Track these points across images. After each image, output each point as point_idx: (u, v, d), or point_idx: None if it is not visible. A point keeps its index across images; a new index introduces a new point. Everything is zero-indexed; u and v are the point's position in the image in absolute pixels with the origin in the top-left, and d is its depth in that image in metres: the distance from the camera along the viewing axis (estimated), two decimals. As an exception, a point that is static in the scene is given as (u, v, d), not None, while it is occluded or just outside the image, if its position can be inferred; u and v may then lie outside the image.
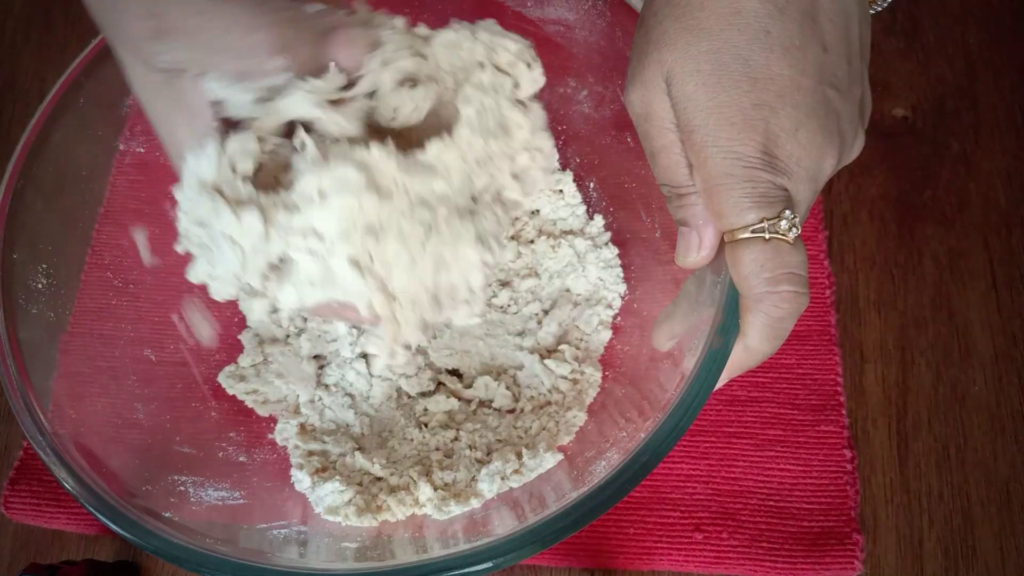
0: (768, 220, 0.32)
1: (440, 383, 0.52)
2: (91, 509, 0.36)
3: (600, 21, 0.50)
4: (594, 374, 0.50)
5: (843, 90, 0.32)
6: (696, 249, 0.35)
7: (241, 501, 0.44)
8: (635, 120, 0.35)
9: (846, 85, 0.33)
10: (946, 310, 0.55)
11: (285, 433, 0.49)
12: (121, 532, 0.35)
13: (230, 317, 0.53)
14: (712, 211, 0.33)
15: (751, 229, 0.32)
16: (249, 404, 0.50)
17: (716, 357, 0.34)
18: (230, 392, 0.50)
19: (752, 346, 0.34)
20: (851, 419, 0.52)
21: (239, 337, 0.53)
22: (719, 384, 0.35)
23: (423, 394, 0.51)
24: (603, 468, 0.37)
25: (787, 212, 0.32)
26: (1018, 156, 0.59)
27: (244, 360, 0.51)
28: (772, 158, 0.31)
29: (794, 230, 0.32)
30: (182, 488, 0.42)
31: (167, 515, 0.38)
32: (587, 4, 0.50)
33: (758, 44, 0.31)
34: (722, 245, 0.35)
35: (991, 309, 0.55)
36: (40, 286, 0.43)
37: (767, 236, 0.32)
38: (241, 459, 0.47)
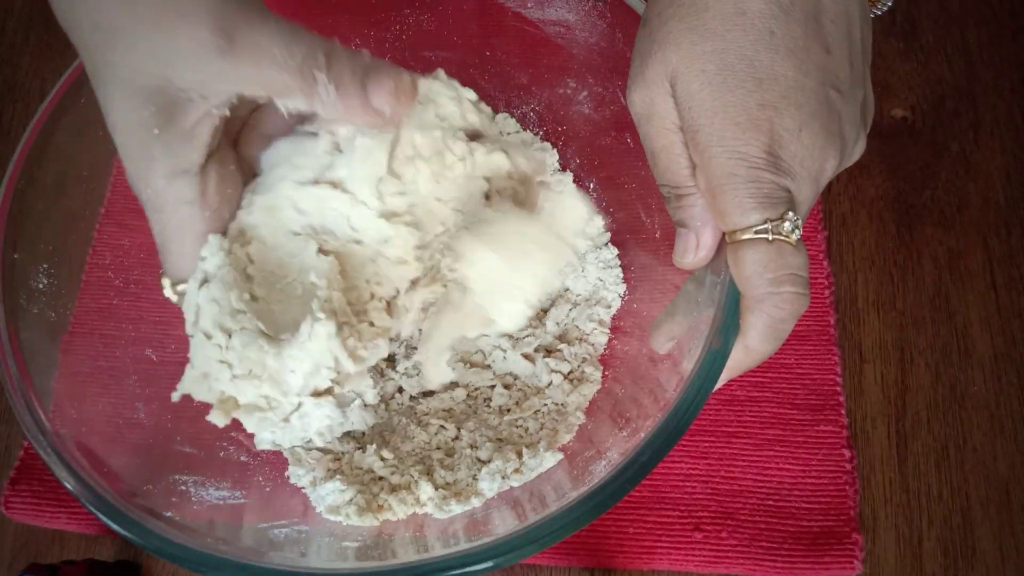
0: (771, 221, 0.32)
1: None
2: (92, 509, 0.36)
3: (600, 22, 0.50)
4: (594, 373, 0.50)
5: (845, 91, 0.33)
6: (694, 250, 0.35)
7: (242, 500, 0.44)
8: (637, 120, 0.36)
9: (848, 87, 0.33)
10: (945, 310, 0.55)
11: None
12: (122, 532, 0.35)
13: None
14: (715, 211, 0.33)
15: (754, 230, 0.32)
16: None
17: (715, 357, 0.35)
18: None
19: (752, 346, 0.34)
20: (850, 419, 0.52)
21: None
22: (719, 384, 0.35)
23: (424, 393, 0.51)
24: (603, 468, 0.37)
25: (790, 213, 0.32)
26: (1018, 156, 0.59)
27: None
28: (776, 159, 0.32)
29: (796, 231, 0.32)
30: (183, 488, 0.43)
31: (168, 515, 0.38)
32: (587, 5, 0.50)
33: (763, 45, 0.31)
34: (721, 246, 0.35)
35: (990, 309, 0.55)
36: (41, 286, 0.43)
37: (770, 237, 0.32)
38: (242, 458, 0.47)
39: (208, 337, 0.35)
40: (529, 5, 0.52)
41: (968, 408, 0.52)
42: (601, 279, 0.54)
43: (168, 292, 0.37)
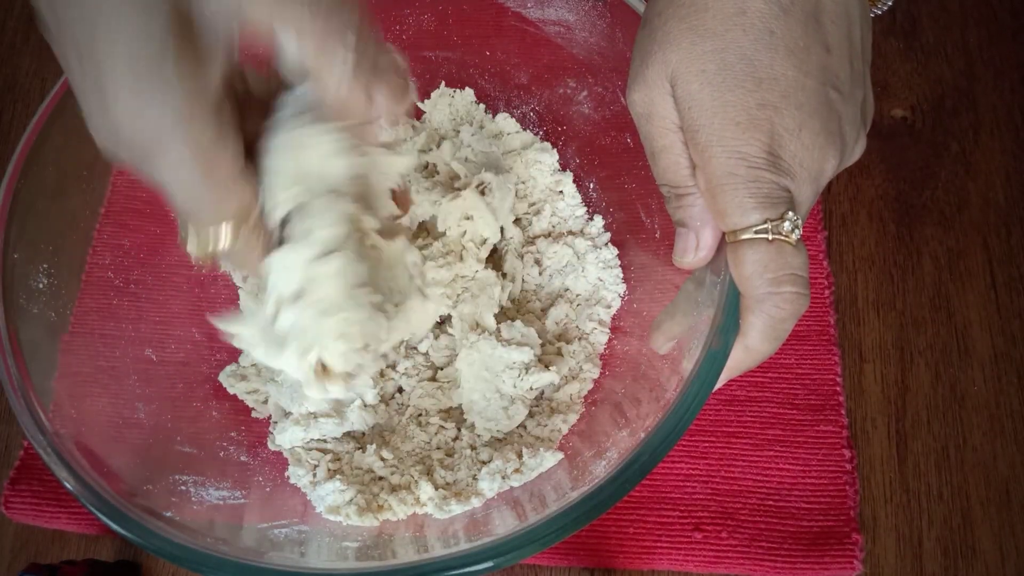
0: (771, 221, 0.32)
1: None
2: (92, 508, 0.36)
3: (600, 22, 0.50)
4: (592, 371, 0.50)
5: (845, 91, 0.33)
6: (694, 250, 0.35)
7: (242, 500, 0.44)
8: (637, 120, 0.36)
9: (848, 87, 0.33)
10: (945, 310, 0.55)
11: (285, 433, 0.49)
12: (122, 532, 0.35)
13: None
14: (715, 211, 0.33)
15: (754, 230, 0.32)
16: (249, 404, 0.50)
17: (715, 357, 0.35)
18: (231, 391, 0.50)
19: (752, 346, 0.34)
20: (850, 419, 0.52)
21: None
22: (718, 384, 0.35)
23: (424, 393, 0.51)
24: (603, 468, 0.37)
25: (790, 213, 0.32)
26: (1018, 156, 0.59)
27: (245, 360, 0.51)
28: (776, 158, 0.32)
29: (796, 231, 0.32)
30: (183, 488, 0.43)
31: (168, 514, 0.38)
32: (587, 5, 0.50)
33: (762, 44, 0.31)
34: (721, 246, 0.35)
35: (990, 309, 0.55)
36: (41, 286, 0.43)
37: (770, 237, 0.32)
38: (242, 458, 0.47)
39: (326, 313, 0.32)
40: (529, 5, 0.52)
41: (968, 408, 0.52)
42: (601, 279, 0.54)
43: (194, 249, 0.31)
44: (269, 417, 0.50)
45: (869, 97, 0.35)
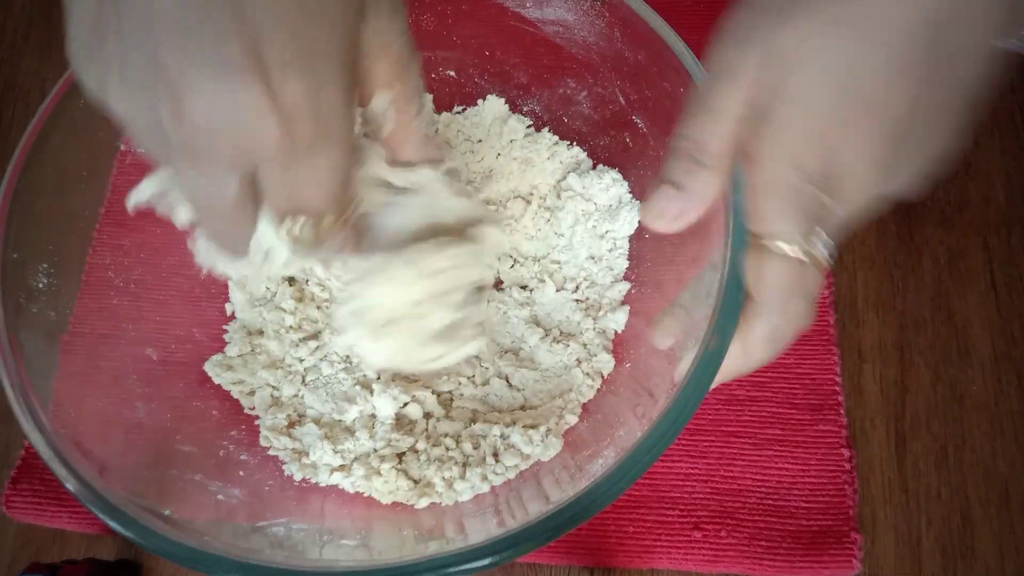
0: (805, 236, 0.31)
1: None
2: (91, 508, 0.36)
3: (599, 21, 0.50)
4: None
5: (920, 139, 0.31)
6: (673, 219, 0.34)
7: (241, 499, 0.44)
8: (708, 68, 0.33)
9: (923, 133, 0.31)
10: (945, 310, 0.55)
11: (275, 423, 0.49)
12: (122, 531, 0.35)
13: (230, 315, 0.53)
14: (752, 209, 0.33)
15: (786, 241, 0.31)
16: (235, 395, 0.50)
17: (713, 357, 0.34)
18: (216, 381, 0.50)
19: (751, 351, 0.34)
20: (849, 419, 0.52)
21: (225, 327, 0.53)
22: (713, 384, 0.35)
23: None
24: (599, 466, 0.37)
25: (824, 235, 0.31)
26: (1018, 156, 0.59)
27: (231, 350, 0.51)
28: (830, 179, 0.31)
29: (825, 252, 0.32)
30: (183, 487, 0.43)
31: (167, 513, 0.38)
32: (587, 4, 0.50)
33: (884, 65, 0.29)
34: (720, 240, 0.35)
35: (990, 309, 0.55)
36: (41, 285, 0.43)
37: (801, 253, 0.31)
38: (242, 457, 0.47)
39: None
40: (528, 5, 0.52)
41: (968, 408, 0.52)
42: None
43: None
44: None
45: (935, 156, 0.33)
